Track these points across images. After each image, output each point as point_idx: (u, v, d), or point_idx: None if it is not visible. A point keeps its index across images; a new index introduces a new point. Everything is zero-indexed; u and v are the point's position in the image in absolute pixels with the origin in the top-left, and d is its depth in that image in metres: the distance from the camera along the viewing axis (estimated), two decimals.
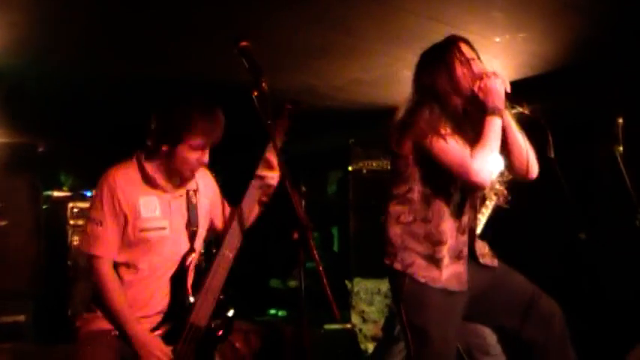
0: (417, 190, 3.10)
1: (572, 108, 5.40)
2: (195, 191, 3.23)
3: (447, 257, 3.07)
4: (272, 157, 3.15)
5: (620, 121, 4.12)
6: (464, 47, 3.13)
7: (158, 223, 3.07)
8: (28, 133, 5.74)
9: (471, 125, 3.06)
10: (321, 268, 2.29)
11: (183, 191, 3.19)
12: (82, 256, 3.38)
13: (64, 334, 4.19)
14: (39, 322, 4.98)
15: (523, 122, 3.27)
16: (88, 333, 3.02)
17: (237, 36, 2.71)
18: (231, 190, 3.43)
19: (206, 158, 3.11)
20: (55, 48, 4.99)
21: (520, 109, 3.17)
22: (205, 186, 3.33)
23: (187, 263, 3.14)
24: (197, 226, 3.21)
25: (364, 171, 6.43)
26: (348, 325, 6.06)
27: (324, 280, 2.28)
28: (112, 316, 2.98)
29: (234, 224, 3.17)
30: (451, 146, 2.97)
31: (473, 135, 3.02)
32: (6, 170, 5.24)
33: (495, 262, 3.27)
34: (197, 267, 3.29)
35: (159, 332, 3.03)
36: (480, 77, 3.04)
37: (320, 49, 5.13)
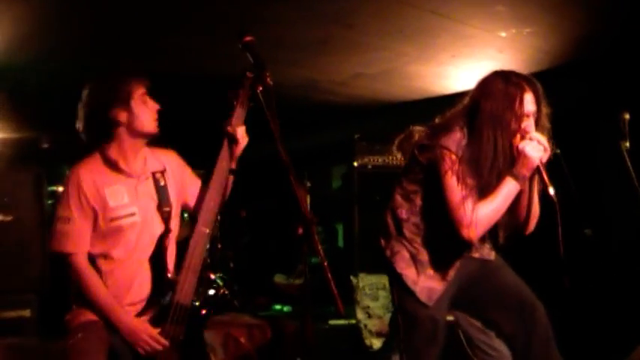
0: (420, 197, 3.16)
1: (578, 103, 5.37)
2: (163, 172, 3.22)
3: (432, 269, 3.13)
4: (240, 116, 3.13)
5: (627, 116, 4.10)
6: (527, 97, 3.05)
7: (127, 209, 3.06)
8: (32, 128, 5.74)
9: (491, 171, 3.02)
10: (325, 264, 2.28)
11: (148, 174, 3.18)
12: None
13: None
14: (44, 318, 4.98)
15: None
16: (77, 325, 3.01)
17: (241, 31, 2.70)
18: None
19: (155, 104, 3.14)
20: (59, 43, 5.01)
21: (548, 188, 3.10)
22: (172, 165, 3.31)
23: (165, 244, 3.13)
24: (170, 207, 3.19)
25: (369, 166, 6.39)
26: (353, 321, 6.04)
27: (329, 276, 2.27)
28: (95, 308, 2.98)
29: (207, 199, 3.14)
30: (457, 190, 2.97)
31: (487, 180, 3.01)
32: (10, 165, 5.23)
33: (492, 255, 3.30)
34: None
35: (146, 316, 3.02)
36: (523, 136, 3.01)
37: (321, 42, 5.13)
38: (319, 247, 2.33)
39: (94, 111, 3.07)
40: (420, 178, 3.16)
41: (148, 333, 2.97)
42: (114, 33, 4.89)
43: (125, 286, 3.05)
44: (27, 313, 4.90)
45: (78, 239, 3.00)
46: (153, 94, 3.18)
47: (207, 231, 3.13)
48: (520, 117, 3.02)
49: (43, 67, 5.48)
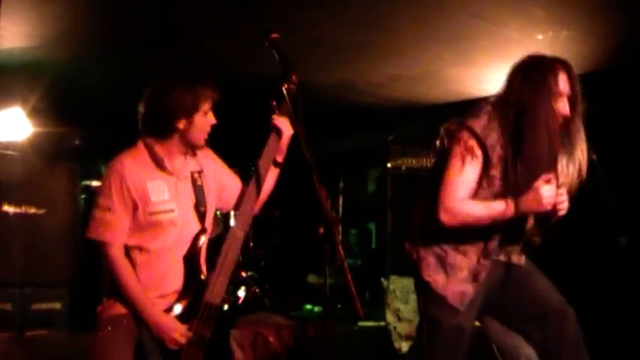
0: None
1: (617, 109, 5.28)
2: (200, 172, 3.25)
3: (462, 272, 3.05)
4: (287, 108, 3.12)
5: None
6: (561, 77, 2.99)
7: (167, 205, 3.09)
8: (67, 124, 5.81)
9: (507, 166, 2.96)
10: (345, 264, 2.26)
11: (187, 173, 3.21)
12: None
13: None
14: (74, 311, 5.03)
15: None
16: (107, 318, 3.04)
17: (267, 28, 2.70)
18: None
19: (213, 119, 3.16)
20: (96, 41, 5.08)
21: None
22: (209, 165, 3.35)
23: (199, 243, 3.17)
24: (205, 207, 3.23)
25: (403, 168, 6.35)
26: (383, 323, 6.01)
27: (349, 277, 2.24)
28: (127, 300, 3.00)
29: (244, 202, 3.20)
30: (462, 175, 2.93)
31: (499, 176, 2.96)
32: (45, 159, 5.29)
33: (522, 260, 3.22)
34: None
35: (175, 312, 3.04)
36: (546, 177, 2.91)
37: (358, 45, 5.13)
38: (340, 248, 2.30)
39: (157, 109, 3.09)
40: (441, 167, 3.06)
41: (175, 329, 2.99)
42: (148, 34, 4.94)
43: (158, 279, 3.07)
44: (58, 305, 4.95)
45: (116, 229, 3.02)
46: None
47: (242, 234, 3.17)
48: (555, 95, 2.96)
49: (81, 64, 5.55)
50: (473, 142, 2.95)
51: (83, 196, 5.62)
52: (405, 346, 5.84)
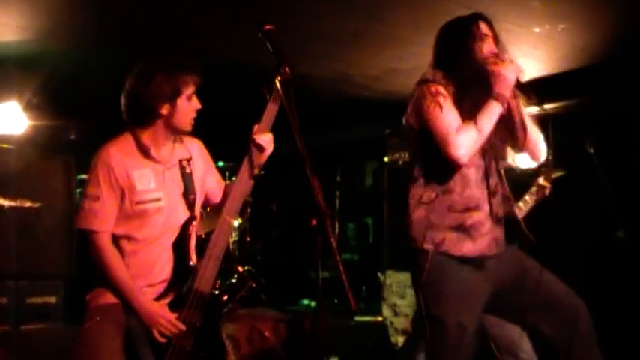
0: (435, 164, 3.08)
1: (614, 102, 5.27)
2: (189, 160, 3.25)
3: (478, 226, 3.04)
4: (269, 119, 3.13)
5: None
6: (483, 25, 3.19)
7: (153, 194, 3.08)
8: (63, 117, 5.80)
9: (472, 100, 3.06)
10: (338, 257, 2.24)
11: (175, 161, 3.20)
12: None
13: None
14: (70, 304, 5.02)
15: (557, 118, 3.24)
16: (95, 307, 3.04)
17: (261, 20, 2.68)
18: None
19: (198, 103, 3.14)
20: (91, 33, 5.06)
21: (534, 104, 3.18)
22: (197, 155, 3.34)
23: (189, 231, 3.16)
24: (194, 194, 3.23)
25: (400, 162, 6.34)
26: (379, 318, 6.02)
27: (341, 269, 2.23)
28: (115, 288, 2.99)
29: (234, 189, 3.18)
30: (444, 115, 3.01)
31: (471, 109, 3.04)
32: (41, 152, 5.28)
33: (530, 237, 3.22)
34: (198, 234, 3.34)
35: (164, 300, 3.03)
36: (495, 60, 3.07)
37: (354, 36, 5.10)
38: (333, 240, 2.28)
39: (138, 96, 3.06)
40: (424, 146, 3.11)
41: (165, 316, 2.98)
42: (143, 23, 4.92)
43: (147, 267, 3.07)
44: (53, 299, 4.94)
45: (104, 218, 3.01)
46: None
47: (232, 221, 3.15)
48: (482, 40, 3.14)
49: (76, 56, 5.53)
50: (434, 87, 3.08)
51: (79, 190, 5.61)
52: (401, 341, 5.84)
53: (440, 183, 3.08)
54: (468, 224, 3.04)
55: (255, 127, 3.17)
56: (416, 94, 3.15)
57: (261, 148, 3.17)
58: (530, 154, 3.25)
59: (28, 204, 4.90)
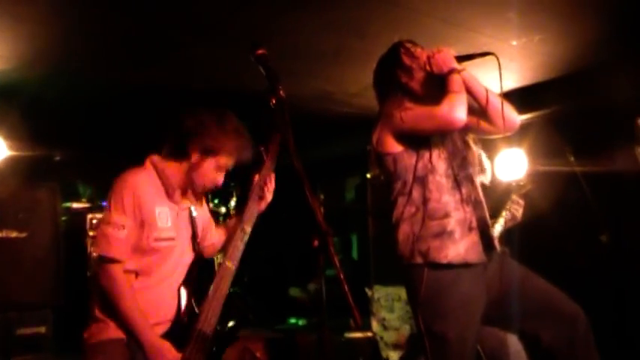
0: (410, 179, 3.17)
1: (591, 110, 5.34)
2: (195, 205, 3.32)
3: (459, 230, 3.10)
4: (271, 164, 3.31)
5: None
6: (407, 44, 3.39)
7: (168, 233, 3.10)
8: (47, 145, 5.78)
9: (434, 102, 3.16)
10: (342, 276, 2.26)
11: (187, 204, 3.25)
12: None
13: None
14: (59, 334, 4.99)
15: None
16: (96, 344, 2.99)
17: (253, 44, 2.70)
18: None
19: (221, 180, 3.21)
20: (74, 59, 5.02)
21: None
22: (201, 210, 3.40)
23: (195, 273, 3.21)
24: (198, 238, 3.29)
25: (382, 177, 6.37)
26: (369, 333, 6.02)
27: (346, 287, 2.24)
28: (122, 321, 2.95)
29: (236, 237, 3.21)
30: (419, 109, 3.17)
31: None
32: (25, 182, 5.25)
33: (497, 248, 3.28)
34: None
35: (168, 339, 3.03)
36: (428, 60, 3.25)
37: (334, 54, 5.12)
38: (335, 259, 2.30)
39: (188, 130, 3.13)
40: (398, 166, 3.22)
41: (172, 354, 2.98)
42: (129, 49, 4.91)
43: (154, 306, 3.06)
44: (43, 329, 4.91)
45: (125, 248, 3.00)
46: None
47: (233, 267, 3.18)
48: (412, 54, 3.35)
49: (58, 83, 5.50)
50: (397, 102, 3.27)
51: (64, 218, 5.59)
52: (392, 355, 5.85)
53: (417, 196, 3.15)
54: (449, 229, 3.10)
55: (257, 176, 3.30)
56: (381, 119, 3.29)
57: (262, 197, 3.29)
58: (497, 120, 3.30)
59: (14, 234, 4.87)
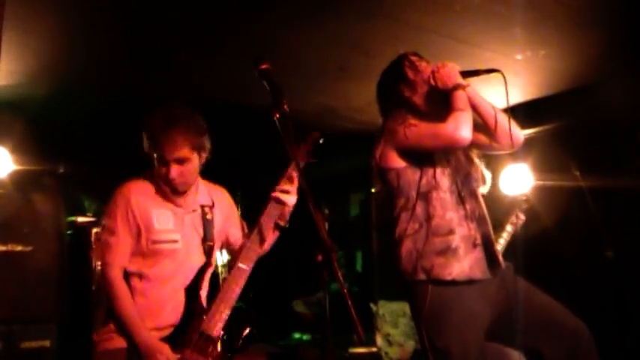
0: (414, 195, 3.16)
1: (596, 124, 5.34)
2: (211, 207, 3.29)
3: (463, 246, 3.09)
4: (293, 173, 3.24)
5: None
6: (412, 57, 3.37)
7: (170, 235, 3.12)
8: (53, 160, 5.79)
9: (437, 118, 3.16)
10: (345, 290, 2.26)
11: (196, 206, 3.24)
12: None
13: (89, 359, 4.20)
14: (64, 347, 4.99)
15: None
16: (104, 352, 3.04)
17: (257, 58, 2.72)
18: (252, 211, 3.45)
19: (171, 174, 3.09)
20: (80, 74, 5.04)
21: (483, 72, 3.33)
22: (220, 202, 3.39)
23: (203, 277, 3.20)
24: (213, 242, 3.26)
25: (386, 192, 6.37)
26: (374, 349, 6.00)
27: (349, 302, 2.24)
28: (120, 322, 3.00)
29: (252, 238, 3.21)
30: (423, 126, 3.14)
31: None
32: (30, 196, 5.26)
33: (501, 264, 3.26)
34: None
35: (169, 342, 3.03)
36: (432, 74, 3.22)
37: (338, 69, 5.13)
38: (339, 274, 2.30)
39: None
40: (401, 181, 3.22)
41: (164, 354, 2.96)
42: (132, 63, 4.93)
43: (156, 310, 3.08)
44: (47, 343, 4.92)
45: (118, 252, 3.05)
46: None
47: (247, 268, 3.18)
48: (416, 68, 3.33)
49: (62, 98, 5.52)
50: (400, 118, 3.24)
51: (69, 232, 5.60)
52: None
53: (421, 212, 3.14)
54: (453, 246, 3.09)
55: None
56: (384, 135, 3.28)
57: (280, 202, 3.25)
58: (503, 137, 3.31)
59: (18, 248, 4.89)
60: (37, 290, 4.95)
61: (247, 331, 3.26)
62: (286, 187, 3.26)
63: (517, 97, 5.53)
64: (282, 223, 3.35)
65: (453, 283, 3.05)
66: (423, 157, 3.19)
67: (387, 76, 3.44)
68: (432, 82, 3.23)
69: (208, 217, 3.25)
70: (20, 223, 5.01)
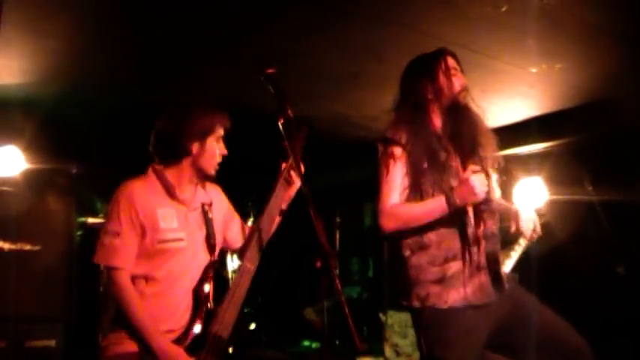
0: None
1: (610, 139, 5.29)
2: (210, 205, 3.27)
3: (463, 274, 3.03)
4: (297, 154, 3.17)
5: None
6: (450, 59, 3.25)
7: (176, 234, 3.08)
8: (63, 159, 5.82)
9: (440, 143, 3.12)
10: (343, 299, 2.24)
11: (197, 204, 3.22)
12: None
13: (95, 359, 4.19)
14: (69, 347, 4.99)
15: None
16: (113, 356, 2.97)
17: (262, 63, 2.71)
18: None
19: (224, 149, 3.21)
20: (92, 74, 5.07)
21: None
22: (217, 201, 3.38)
23: (210, 275, 3.16)
24: (215, 239, 3.24)
25: None
26: (381, 359, 5.97)
27: (346, 311, 2.22)
28: (133, 328, 2.93)
29: (255, 237, 3.19)
30: (386, 181, 3.09)
31: (435, 154, 3.09)
32: (41, 195, 5.29)
33: (499, 288, 3.17)
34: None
35: (182, 344, 2.99)
36: (473, 169, 3.06)
37: (352, 77, 5.12)
38: (337, 281, 2.28)
39: (170, 133, 3.12)
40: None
41: (183, 359, 2.93)
42: (144, 65, 4.94)
43: (167, 312, 3.04)
44: (52, 343, 4.93)
45: (125, 255, 2.99)
46: None
47: (253, 268, 3.16)
48: (449, 73, 3.20)
49: (75, 98, 5.55)
50: (390, 148, 3.13)
51: (79, 233, 5.62)
52: None
53: (412, 240, 3.08)
54: (449, 275, 3.03)
55: (284, 164, 3.29)
56: (379, 150, 3.25)
57: (289, 181, 3.27)
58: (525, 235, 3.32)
59: (27, 246, 4.91)
60: (44, 289, 4.96)
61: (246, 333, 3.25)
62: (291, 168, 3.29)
63: (531, 110, 5.50)
64: (284, 207, 3.36)
65: (450, 310, 3.01)
66: (422, 180, 3.10)
67: (416, 66, 3.34)
68: (460, 98, 3.18)
69: (209, 215, 3.23)
70: (31, 222, 5.02)
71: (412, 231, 3.05)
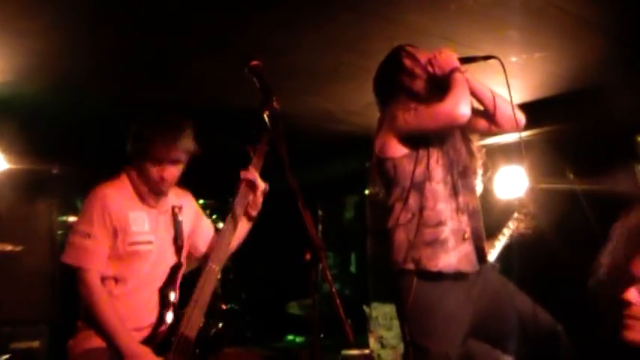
0: (407, 186, 3.16)
1: (591, 128, 5.32)
2: (180, 208, 3.32)
3: (452, 239, 3.09)
4: (260, 161, 3.31)
5: None
6: (407, 47, 3.41)
7: (146, 237, 3.14)
8: (44, 159, 5.78)
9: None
10: (334, 290, 2.23)
11: (168, 207, 3.27)
12: None
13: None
14: (53, 349, 4.96)
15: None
16: (80, 353, 3.02)
17: (247, 55, 2.70)
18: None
19: (166, 174, 3.14)
20: (73, 74, 5.03)
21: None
22: (187, 205, 3.42)
23: (176, 276, 3.23)
24: (182, 242, 3.29)
25: (381, 195, 6.35)
26: (367, 351, 5.98)
27: (337, 302, 2.21)
28: (101, 328, 2.97)
29: (222, 237, 3.23)
30: (422, 108, 3.14)
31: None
32: (22, 196, 5.25)
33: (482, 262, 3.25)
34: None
35: (150, 344, 3.03)
36: (429, 61, 3.26)
37: (334, 71, 5.12)
38: (328, 274, 2.27)
39: (135, 149, 3.16)
40: (397, 171, 3.21)
41: (149, 358, 2.95)
42: (126, 64, 4.92)
43: (135, 311, 3.09)
44: (36, 344, 4.90)
45: (94, 256, 3.03)
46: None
47: (217, 269, 3.19)
48: (413, 56, 3.37)
49: (56, 98, 5.51)
50: (401, 103, 3.24)
51: (60, 232, 5.59)
52: None
53: (414, 203, 3.14)
54: (442, 238, 3.09)
55: (244, 169, 3.29)
56: (384, 123, 3.28)
57: (252, 185, 3.22)
58: (502, 119, 3.36)
59: (9, 247, 4.86)
60: (27, 291, 4.93)
61: (223, 330, 3.29)
62: (253, 172, 3.30)
63: (513, 99, 5.51)
64: (253, 213, 3.36)
65: (439, 275, 3.05)
66: (419, 146, 3.18)
67: (384, 67, 3.45)
68: (430, 68, 3.26)
69: (179, 217, 3.29)
70: (12, 222, 4.99)
71: (414, 193, 3.13)
